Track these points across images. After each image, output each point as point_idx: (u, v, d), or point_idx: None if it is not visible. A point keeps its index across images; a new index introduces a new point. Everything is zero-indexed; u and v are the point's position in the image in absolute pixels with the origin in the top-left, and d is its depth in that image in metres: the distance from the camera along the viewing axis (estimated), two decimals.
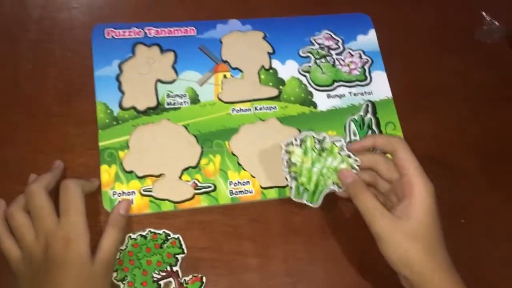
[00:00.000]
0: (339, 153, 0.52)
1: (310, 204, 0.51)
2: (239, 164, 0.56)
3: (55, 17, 0.61)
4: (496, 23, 0.71)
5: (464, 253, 0.56)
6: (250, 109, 0.59)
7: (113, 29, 0.60)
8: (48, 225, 0.45)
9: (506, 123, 0.66)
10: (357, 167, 0.51)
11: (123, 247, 0.50)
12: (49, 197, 0.47)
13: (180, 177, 0.54)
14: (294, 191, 0.52)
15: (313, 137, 0.52)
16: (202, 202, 0.53)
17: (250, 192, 0.55)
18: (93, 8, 0.62)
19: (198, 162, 0.55)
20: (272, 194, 0.55)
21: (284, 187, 0.55)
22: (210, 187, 0.54)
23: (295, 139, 0.52)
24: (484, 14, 0.72)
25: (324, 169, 0.52)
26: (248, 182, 0.55)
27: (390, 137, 0.51)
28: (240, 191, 0.54)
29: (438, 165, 0.61)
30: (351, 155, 0.51)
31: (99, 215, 0.52)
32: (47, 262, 0.44)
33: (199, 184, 0.54)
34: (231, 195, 0.54)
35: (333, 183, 0.52)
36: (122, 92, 0.57)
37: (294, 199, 0.52)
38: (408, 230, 0.46)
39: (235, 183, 0.55)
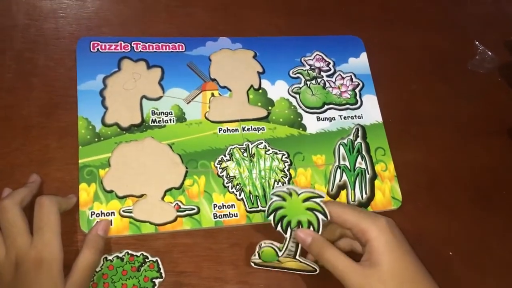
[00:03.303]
0: (266, 153, 0.56)
1: (265, 209, 0.51)
2: (225, 186, 0.54)
3: (41, 26, 0.59)
4: (489, 53, 0.71)
5: (451, 286, 0.55)
6: (237, 130, 0.57)
7: (98, 42, 0.58)
8: (20, 243, 0.43)
9: (494, 155, 0.65)
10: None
11: (98, 269, 0.48)
12: (22, 213, 0.45)
13: (162, 198, 0.52)
14: (247, 202, 0.53)
15: (238, 147, 0.55)
16: (185, 225, 0.51)
17: (235, 216, 0.53)
18: (80, 19, 0.60)
19: (182, 183, 0.53)
20: (258, 219, 0.53)
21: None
22: (193, 209, 0.52)
23: (224, 155, 0.55)
24: (477, 43, 0.72)
25: (262, 172, 0.55)
26: (233, 205, 0.53)
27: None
28: (225, 215, 0.53)
29: (427, 195, 0.60)
30: (286, 165, 0.56)
31: (75, 234, 0.50)
32: (17, 282, 0.42)
33: (182, 206, 0.52)
34: (215, 218, 0.52)
35: (277, 181, 0.55)
36: (106, 108, 0.55)
37: (249, 210, 0.53)
38: (378, 278, 0.43)
39: (220, 206, 0.53)
